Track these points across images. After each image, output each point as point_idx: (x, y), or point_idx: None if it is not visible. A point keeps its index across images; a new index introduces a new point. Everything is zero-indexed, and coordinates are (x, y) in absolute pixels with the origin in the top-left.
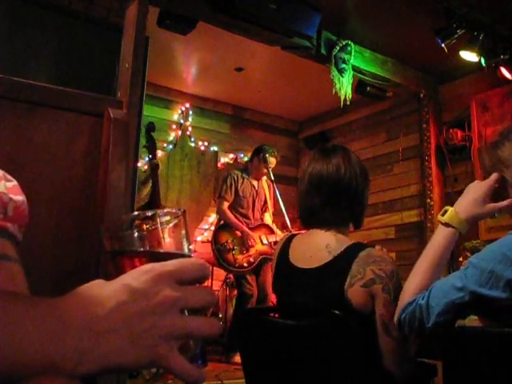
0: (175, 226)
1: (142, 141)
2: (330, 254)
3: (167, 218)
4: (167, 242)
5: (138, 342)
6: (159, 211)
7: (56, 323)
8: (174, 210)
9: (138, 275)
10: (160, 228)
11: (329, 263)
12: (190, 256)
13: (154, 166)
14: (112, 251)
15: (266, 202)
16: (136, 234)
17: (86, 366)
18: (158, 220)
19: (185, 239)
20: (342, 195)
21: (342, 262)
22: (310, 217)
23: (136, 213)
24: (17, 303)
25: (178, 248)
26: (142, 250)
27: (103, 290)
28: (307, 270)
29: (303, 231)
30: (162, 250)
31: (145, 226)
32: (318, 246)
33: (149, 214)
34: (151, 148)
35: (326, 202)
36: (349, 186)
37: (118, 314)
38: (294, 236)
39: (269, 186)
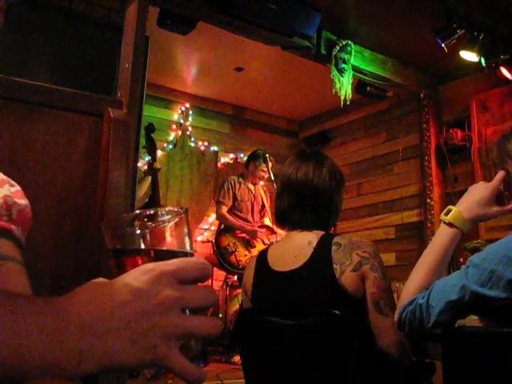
0: (177, 224)
1: (142, 141)
2: (312, 249)
3: (169, 216)
4: (169, 240)
5: (139, 342)
6: (161, 209)
7: (56, 323)
8: (175, 209)
9: (138, 274)
10: (162, 226)
11: (312, 257)
12: (192, 254)
13: (154, 170)
14: (113, 249)
15: (263, 206)
16: (138, 232)
17: (87, 365)
18: (160, 218)
19: (187, 237)
20: (307, 199)
21: (321, 252)
22: (281, 218)
23: (138, 211)
24: (17, 303)
25: (179, 246)
26: (143, 248)
27: (104, 290)
28: (295, 271)
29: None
30: (163, 248)
31: (146, 224)
32: (301, 245)
33: (151, 212)
34: (151, 149)
35: (293, 204)
36: (315, 190)
37: (118, 314)
38: (266, 249)
39: (265, 192)
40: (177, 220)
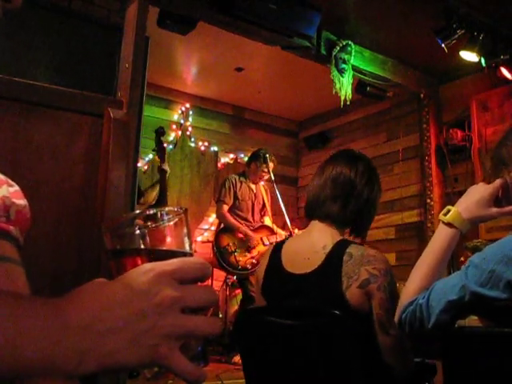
0: (176, 224)
1: (151, 144)
2: (325, 255)
3: (169, 216)
4: (168, 240)
5: (139, 342)
6: (161, 209)
7: (56, 323)
8: (175, 209)
9: (138, 275)
10: (161, 226)
11: (323, 264)
12: (191, 254)
13: (161, 172)
14: (113, 249)
15: (264, 205)
16: (137, 232)
17: (87, 365)
18: (160, 218)
19: (186, 238)
20: (353, 198)
21: (333, 261)
22: (316, 207)
23: (137, 211)
24: (17, 303)
25: (179, 246)
26: (143, 248)
27: (103, 290)
28: (305, 276)
29: (295, 233)
30: (163, 248)
31: (146, 224)
32: (315, 248)
33: (150, 212)
34: (160, 152)
35: (337, 197)
36: (362, 193)
37: (118, 314)
38: (281, 244)
39: (266, 191)
40: (176, 220)
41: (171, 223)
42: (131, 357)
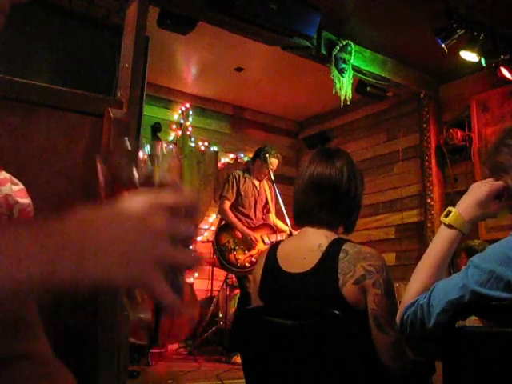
0: (170, 158)
1: (147, 141)
2: (321, 253)
3: (163, 150)
4: (161, 172)
5: (130, 262)
6: (154, 143)
7: (52, 243)
8: (168, 145)
9: (133, 202)
10: (155, 159)
11: (319, 262)
12: (181, 187)
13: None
14: (106, 180)
15: (267, 202)
16: (132, 163)
17: (82, 280)
18: (154, 151)
19: (178, 172)
20: (340, 200)
21: (329, 259)
22: (304, 215)
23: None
24: (17, 228)
25: (172, 179)
26: (136, 178)
27: (99, 214)
28: (302, 275)
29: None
30: (156, 180)
31: (140, 157)
32: (310, 247)
33: (146, 147)
34: None
35: (324, 203)
36: (348, 191)
37: (111, 236)
38: (277, 245)
39: (270, 188)
40: (170, 154)
41: (166, 157)
42: (121, 273)
